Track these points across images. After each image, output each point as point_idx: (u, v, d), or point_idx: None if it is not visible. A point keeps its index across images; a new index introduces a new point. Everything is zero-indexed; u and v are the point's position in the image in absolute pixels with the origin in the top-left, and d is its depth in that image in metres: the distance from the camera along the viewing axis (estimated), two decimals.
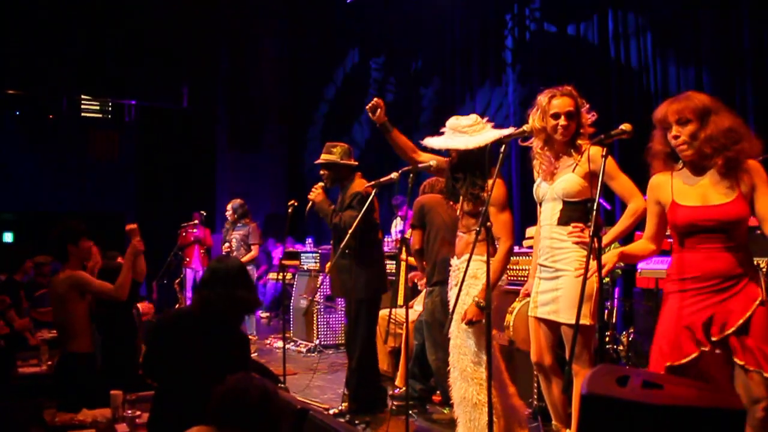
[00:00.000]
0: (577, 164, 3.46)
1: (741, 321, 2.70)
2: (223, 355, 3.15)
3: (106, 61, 13.96)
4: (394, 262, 6.77)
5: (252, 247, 8.26)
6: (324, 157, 5.34)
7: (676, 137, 2.82)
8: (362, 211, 4.58)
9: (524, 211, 8.21)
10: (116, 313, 4.89)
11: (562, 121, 3.47)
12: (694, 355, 2.74)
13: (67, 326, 4.44)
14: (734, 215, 2.74)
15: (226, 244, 8.34)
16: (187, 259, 11.50)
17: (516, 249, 5.43)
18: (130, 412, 3.83)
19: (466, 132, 3.81)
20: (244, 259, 7.96)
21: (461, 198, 3.91)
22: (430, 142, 3.96)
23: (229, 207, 8.45)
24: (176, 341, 3.20)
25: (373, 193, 4.53)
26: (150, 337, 3.56)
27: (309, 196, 5.31)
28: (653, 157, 2.99)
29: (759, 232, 2.85)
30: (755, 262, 2.94)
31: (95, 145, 14.01)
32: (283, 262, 8.22)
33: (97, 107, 14.59)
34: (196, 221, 10.98)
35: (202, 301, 3.23)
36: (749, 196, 2.77)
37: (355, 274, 5.02)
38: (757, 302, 2.72)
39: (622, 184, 3.41)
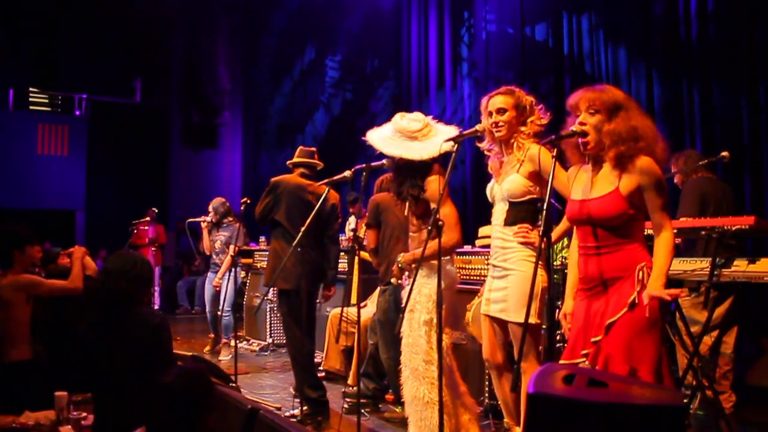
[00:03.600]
0: (520, 164, 3.49)
1: (607, 322, 2.65)
2: (136, 348, 3.15)
3: (56, 53, 13.64)
4: (345, 260, 6.76)
5: (228, 247, 7.61)
6: None
7: (582, 124, 2.77)
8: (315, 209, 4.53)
9: (477, 212, 8.27)
10: (64, 318, 4.73)
11: (493, 118, 3.53)
12: (580, 360, 2.71)
13: (7, 333, 4.28)
14: (603, 212, 2.67)
15: (202, 248, 8.07)
16: None
17: (468, 249, 5.47)
18: (75, 413, 3.71)
19: (416, 137, 3.79)
20: (225, 264, 7.61)
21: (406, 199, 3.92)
22: (379, 144, 3.86)
23: (210, 207, 7.87)
24: (94, 346, 3.22)
25: (326, 191, 4.51)
26: (73, 352, 3.56)
27: None
28: (567, 146, 2.95)
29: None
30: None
31: None
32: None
33: (46, 100, 14.23)
34: (149, 218, 10.79)
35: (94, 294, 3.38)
36: (633, 193, 2.69)
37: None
38: (626, 308, 2.64)
39: (564, 182, 3.42)
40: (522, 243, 3.40)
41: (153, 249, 11.25)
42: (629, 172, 2.69)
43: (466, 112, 9.04)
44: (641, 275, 2.67)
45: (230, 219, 7.89)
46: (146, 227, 11.18)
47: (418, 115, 3.87)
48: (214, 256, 7.86)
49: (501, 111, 3.53)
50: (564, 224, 3.51)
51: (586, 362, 2.68)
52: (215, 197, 8.15)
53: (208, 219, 7.84)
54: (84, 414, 3.71)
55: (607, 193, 2.70)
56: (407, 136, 3.80)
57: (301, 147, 5.44)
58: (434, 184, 3.69)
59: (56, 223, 12.63)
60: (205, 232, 7.90)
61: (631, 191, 2.69)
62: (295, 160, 5.31)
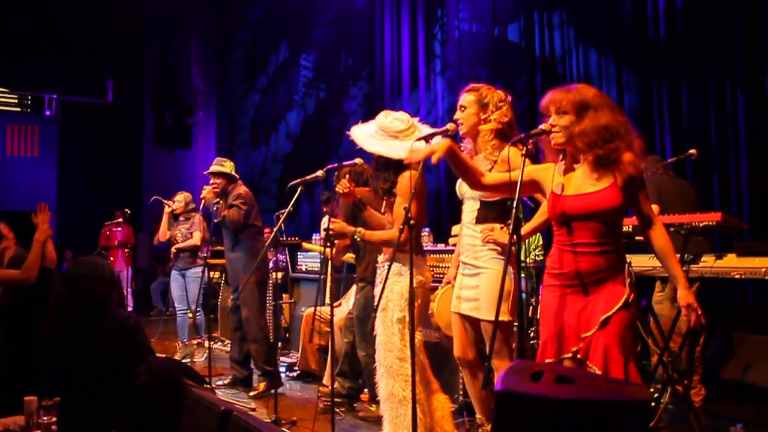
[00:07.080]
0: (493, 165, 3.52)
1: (603, 317, 2.66)
2: (112, 350, 3.17)
3: (25, 52, 13.42)
4: (318, 260, 6.76)
5: (192, 233, 7.46)
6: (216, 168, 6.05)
7: (552, 126, 2.80)
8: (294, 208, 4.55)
9: (450, 211, 8.29)
10: (27, 308, 4.62)
11: (457, 115, 3.61)
12: (568, 355, 2.74)
13: None
14: (605, 204, 2.69)
15: (158, 236, 7.92)
16: (111, 259, 11.21)
17: (441, 247, 5.51)
18: (45, 418, 3.66)
19: (397, 137, 3.79)
20: (183, 245, 7.42)
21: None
22: (361, 140, 3.85)
23: (181, 199, 7.61)
24: (65, 351, 3.23)
25: (299, 190, 4.51)
26: (45, 356, 3.54)
27: (202, 195, 5.99)
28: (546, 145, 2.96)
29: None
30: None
31: None
32: (209, 260, 8.05)
33: (15, 100, 13.99)
34: (119, 220, 10.68)
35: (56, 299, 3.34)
36: (625, 188, 2.72)
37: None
38: (620, 303, 2.67)
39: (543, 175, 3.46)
40: (486, 242, 3.45)
41: (125, 251, 11.14)
42: (618, 169, 2.71)
43: (439, 111, 9.06)
44: (629, 273, 2.74)
45: (191, 213, 7.68)
46: (117, 228, 11.07)
47: (403, 115, 3.86)
48: (180, 254, 7.71)
49: (462, 108, 3.62)
50: (537, 220, 3.54)
51: (579, 356, 2.69)
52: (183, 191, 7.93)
53: (173, 207, 7.62)
54: (54, 419, 3.66)
55: (604, 188, 2.70)
56: (389, 135, 3.79)
57: (228, 161, 6.16)
58: (406, 180, 3.69)
59: (26, 225, 12.42)
60: (165, 218, 7.64)
61: (624, 185, 2.71)
62: (233, 173, 6.06)
